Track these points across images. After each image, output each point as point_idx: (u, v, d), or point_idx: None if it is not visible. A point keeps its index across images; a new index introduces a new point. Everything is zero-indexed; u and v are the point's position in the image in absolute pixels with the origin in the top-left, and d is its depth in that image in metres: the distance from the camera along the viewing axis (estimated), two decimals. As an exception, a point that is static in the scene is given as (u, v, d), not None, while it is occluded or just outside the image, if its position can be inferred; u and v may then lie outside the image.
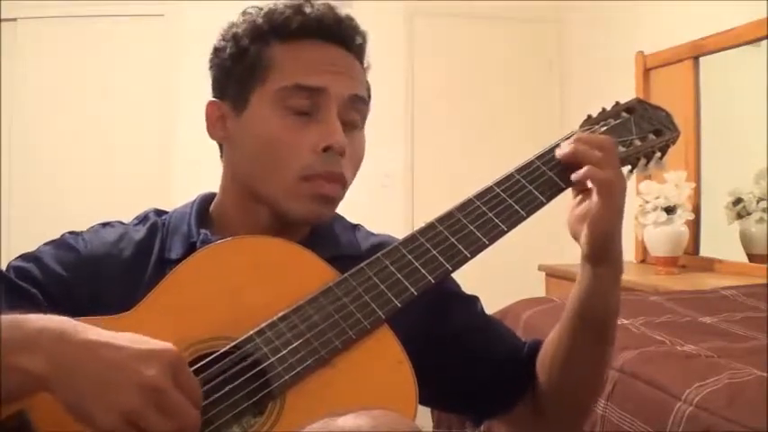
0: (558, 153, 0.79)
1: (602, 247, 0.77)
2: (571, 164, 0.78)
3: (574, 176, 0.77)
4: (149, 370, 0.58)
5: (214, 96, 0.87)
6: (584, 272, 0.80)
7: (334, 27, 0.83)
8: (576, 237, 0.79)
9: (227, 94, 0.85)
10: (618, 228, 0.77)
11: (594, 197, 0.75)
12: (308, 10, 0.82)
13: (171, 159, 3.70)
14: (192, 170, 3.22)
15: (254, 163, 0.82)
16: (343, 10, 0.85)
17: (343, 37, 0.84)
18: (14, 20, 3.70)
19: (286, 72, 0.80)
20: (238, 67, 0.83)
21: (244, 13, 0.85)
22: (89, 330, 0.61)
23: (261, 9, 0.84)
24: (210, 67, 0.87)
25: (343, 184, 0.83)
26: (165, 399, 0.58)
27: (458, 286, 0.94)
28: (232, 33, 0.84)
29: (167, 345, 0.61)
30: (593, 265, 0.79)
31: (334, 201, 0.84)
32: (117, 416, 0.57)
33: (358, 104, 0.84)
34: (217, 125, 0.86)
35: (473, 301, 0.94)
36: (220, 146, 0.89)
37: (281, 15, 0.82)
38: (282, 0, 0.84)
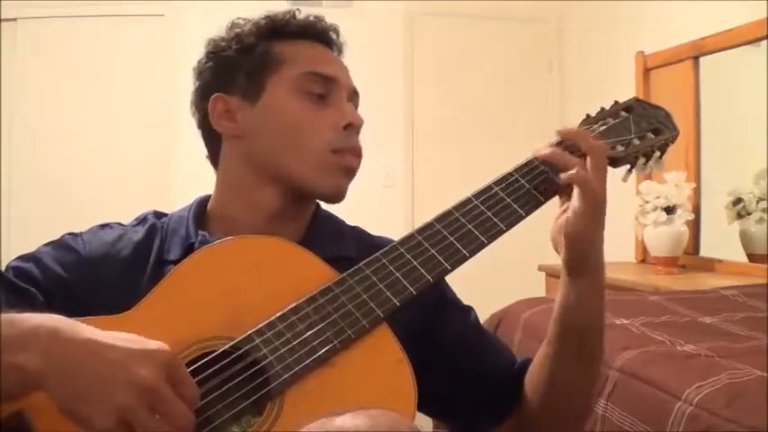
0: (539, 154, 0.79)
1: (581, 257, 0.77)
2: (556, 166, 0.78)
3: (564, 176, 0.76)
4: (143, 369, 0.58)
5: (215, 92, 0.88)
6: (565, 282, 0.80)
7: (324, 32, 0.92)
8: (556, 248, 0.79)
9: (236, 87, 0.88)
10: (597, 237, 0.76)
11: (573, 202, 0.75)
12: (300, 16, 0.91)
13: (171, 159, 3.69)
14: (192, 170, 3.20)
15: (277, 142, 0.86)
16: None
17: (335, 42, 0.93)
18: (14, 20, 3.70)
19: (300, 62, 0.87)
20: (248, 61, 0.88)
21: (232, 25, 0.91)
22: (84, 329, 0.61)
23: (250, 20, 0.91)
24: (202, 71, 0.90)
25: (361, 159, 0.89)
26: (157, 399, 0.58)
27: (454, 295, 0.94)
28: (234, 33, 0.89)
29: (162, 345, 0.61)
30: (574, 275, 0.78)
31: (355, 174, 0.89)
32: (110, 414, 0.57)
33: (355, 99, 0.92)
34: (222, 117, 0.88)
35: (468, 311, 0.94)
36: (210, 147, 0.91)
37: (282, 18, 0.90)
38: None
